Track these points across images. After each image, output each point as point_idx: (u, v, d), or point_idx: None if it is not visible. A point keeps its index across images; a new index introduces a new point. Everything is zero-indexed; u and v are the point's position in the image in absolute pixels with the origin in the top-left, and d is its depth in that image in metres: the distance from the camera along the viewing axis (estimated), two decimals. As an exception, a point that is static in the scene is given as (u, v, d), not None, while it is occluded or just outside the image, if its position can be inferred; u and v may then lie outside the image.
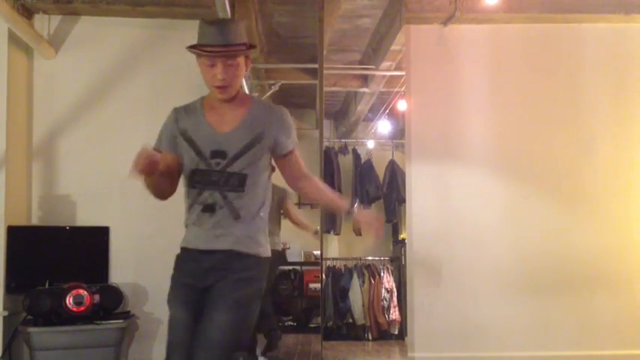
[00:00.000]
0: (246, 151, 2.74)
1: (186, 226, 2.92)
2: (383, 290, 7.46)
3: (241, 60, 2.76)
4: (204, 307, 2.68)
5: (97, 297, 4.68)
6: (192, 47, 2.78)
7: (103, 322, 4.67)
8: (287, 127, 2.84)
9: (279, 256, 6.33)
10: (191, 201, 2.84)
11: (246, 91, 2.82)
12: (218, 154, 2.74)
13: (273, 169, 2.93)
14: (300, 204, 7.58)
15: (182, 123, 2.89)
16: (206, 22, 2.77)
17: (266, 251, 2.84)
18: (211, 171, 2.74)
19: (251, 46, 2.79)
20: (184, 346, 2.67)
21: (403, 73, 5.83)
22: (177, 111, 3.00)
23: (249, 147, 2.75)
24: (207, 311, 2.66)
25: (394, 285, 7.52)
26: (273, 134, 2.80)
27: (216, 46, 2.70)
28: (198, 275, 2.77)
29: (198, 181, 2.78)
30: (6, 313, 4.75)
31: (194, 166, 2.78)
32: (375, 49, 6.49)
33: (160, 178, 2.84)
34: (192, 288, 2.77)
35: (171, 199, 5.08)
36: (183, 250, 2.92)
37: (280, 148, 2.83)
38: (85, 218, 5.16)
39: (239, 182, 2.73)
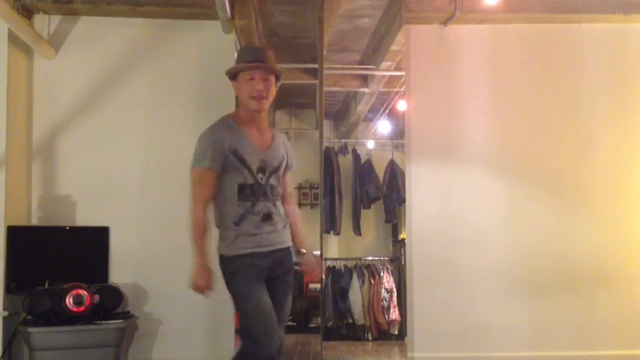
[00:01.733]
0: (279, 167, 3.37)
1: (237, 236, 3.27)
2: (383, 290, 7.44)
3: (274, 83, 3.37)
4: (275, 294, 3.32)
5: (96, 297, 4.69)
6: (233, 68, 3.37)
7: (103, 322, 4.67)
8: (291, 149, 3.53)
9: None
10: (243, 212, 3.26)
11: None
12: (261, 169, 3.30)
13: None
14: (300, 204, 7.58)
15: (229, 142, 3.26)
16: (247, 47, 3.84)
17: None
18: (260, 184, 3.28)
19: (279, 73, 3.42)
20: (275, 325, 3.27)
21: (403, 73, 5.82)
22: (219, 131, 3.32)
23: (281, 164, 3.39)
24: (280, 295, 3.38)
25: (394, 285, 7.50)
26: (288, 155, 3.47)
27: (257, 62, 3.32)
28: (272, 269, 3.32)
29: (249, 194, 3.26)
30: (6, 313, 4.75)
31: (242, 181, 3.26)
32: (375, 49, 6.48)
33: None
34: (265, 280, 3.28)
35: (170, 200, 5.12)
36: (251, 255, 3.27)
37: (287, 167, 3.48)
38: (85, 218, 5.16)
39: (278, 193, 3.37)
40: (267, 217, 3.30)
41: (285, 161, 3.43)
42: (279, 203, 3.39)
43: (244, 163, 3.24)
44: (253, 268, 3.26)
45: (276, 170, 3.36)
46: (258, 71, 3.30)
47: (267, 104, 3.35)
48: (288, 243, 3.44)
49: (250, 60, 3.33)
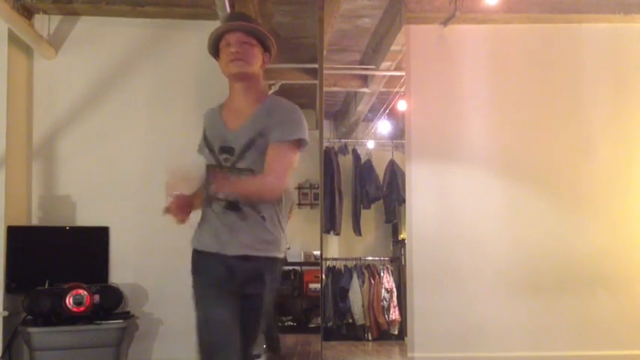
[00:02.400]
0: (251, 144, 2.74)
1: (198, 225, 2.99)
2: (383, 290, 7.46)
3: (257, 49, 2.86)
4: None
5: (96, 297, 4.68)
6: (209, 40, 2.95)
7: (103, 322, 4.67)
8: (287, 121, 2.80)
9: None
10: (205, 197, 2.84)
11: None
12: (225, 150, 2.78)
13: None
14: (300, 204, 7.59)
15: (204, 123, 2.99)
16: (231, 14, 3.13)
17: None
18: (223, 167, 2.77)
19: (267, 40, 2.90)
20: None
21: (403, 73, 5.82)
22: (206, 112, 3.07)
23: (254, 140, 2.74)
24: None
25: (394, 285, 7.52)
26: (271, 125, 2.76)
27: (240, 23, 2.88)
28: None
29: (212, 177, 2.79)
30: (6, 314, 4.75)
31: (207, 163, 2.85)
32: (375, 49, 6.49)
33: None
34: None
35: (168, 199, 5.09)
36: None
37: (270, 139, 2.75)
38: (85, 218, 5.16)
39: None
40: (231, 207, 2.75)
41: (260, 136, 2.74)
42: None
43: (206, 142, 2.87)
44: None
45: (248, 149, 2.74)
46: (234, 34, 2.83)
47: (247, 67, 2.82)
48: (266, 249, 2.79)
49: (228, 24, 2.90)
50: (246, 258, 2.71)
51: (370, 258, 7.95)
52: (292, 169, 2.81)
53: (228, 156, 2.77)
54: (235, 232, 2.74)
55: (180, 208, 2.82)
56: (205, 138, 2.89)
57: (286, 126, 2.77)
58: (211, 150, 2.82)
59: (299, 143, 2.80)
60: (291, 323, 7.40)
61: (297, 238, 7.06)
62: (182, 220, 2.83)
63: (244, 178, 2.75)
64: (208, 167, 2.84)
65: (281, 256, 2.83)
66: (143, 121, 5.30)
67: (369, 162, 8.18)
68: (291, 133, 2.76)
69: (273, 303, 2.90)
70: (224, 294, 2.70)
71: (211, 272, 2.76)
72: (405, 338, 5.99)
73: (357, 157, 8.20)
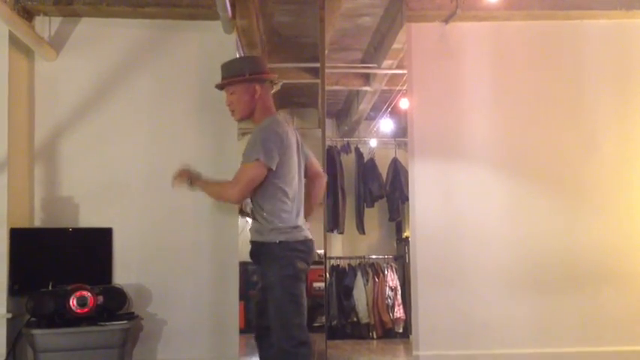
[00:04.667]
0: None
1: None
2: (387, 289, 7.46)
3: (239, 89, 3.71)
4: None
5: (100, 298, 4.67)
6: None
7: (107, 323, 4.66)
8: (249, 144, 3.62)
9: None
10: None
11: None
12: None
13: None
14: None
15: None
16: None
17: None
18: None
19: (235, 78, 3.73)
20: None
21: (405, 71, 5.81)
22: None
23: None
24: None
25: (398, 283, 7.53)
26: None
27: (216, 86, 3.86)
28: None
29: None
30: (10, 316, 4.75)
31: None
32: (377, 47, 6.49)
33: None
34: None
35: (173, 200, 5.12)
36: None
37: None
38: (88, 220, 5.16)
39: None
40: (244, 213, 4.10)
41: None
42: (253, 202, 3.74)
43: None
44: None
45: None
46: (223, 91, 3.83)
47: (238, 115, 3.78)
48: (256, 237, 3.74)
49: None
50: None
51: (374, 256, 7.97)
52: (251, 182, 3.59)
53: None
54: None
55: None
56: None
57: (247, 149, 3.60)
58: None
59: (258, 162, 3.55)
60: (296, 322, 7.39)
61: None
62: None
63: (212, 182, 3.93)
64: None
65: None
66: (145, 122, 5.29)
67: (371, 160, 8.20)
68: (249, 155, 3.58)
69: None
70: None
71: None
72: (410, 336, 6.00)
73: (359, 155, 8.21)
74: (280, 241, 3.60)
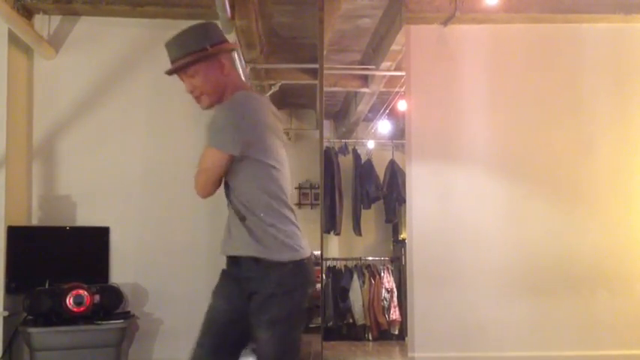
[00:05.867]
0: None
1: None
2: (383, 290, 7.46)
3: (202, 67, 2.77)
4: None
5: (97, 297, 4.68)
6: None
7: (104, 322, 4.66)
8: (211, 124, 2.70)
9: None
10: None
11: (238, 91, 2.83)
12: None
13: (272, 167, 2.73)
14: (300, 204, 7.59)
15: None
16: (165, 44, 2.86)
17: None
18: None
19: (194, 54, 2.77)
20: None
21: (403, 73, 5.82)
22: None
23: None
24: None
25: (394, 285, 7.52)
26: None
27: (172, 64, 2.83)
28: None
29: None
30: (6, 314, 4.75)
31: None
32: (375, 49, 6.49)
33: None
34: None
35: (170, 199, 5.12)
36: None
37: None
38: (86, 218, 5.16)
39: (231, 188, 2.76)
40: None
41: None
42: (233, 199, 2.75)
43: None
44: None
45: None
46: (178, 75, 2.86)
47: (208, 99, 2.80)
48: (243, 252, 2.72)
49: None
50: None
51: (370, 258, 7.96)
52: (212, 171, 2.72)
53: None
54: None
55: None
56: None
57: (212, 128, 2.69)
58: None
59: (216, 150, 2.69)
60: (292, 323, 7.39)
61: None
62: None
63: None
64: None
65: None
66: (143, 121, 5.30)
67: (369, 162, 8.19)
68: (216, 135, 2.69)
69: None
70: None
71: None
72: (406, 338, 6.00)
73: (357, 157, 8.21)
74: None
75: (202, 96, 2.80)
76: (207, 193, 2.76)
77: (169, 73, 2.84)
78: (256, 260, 2.66)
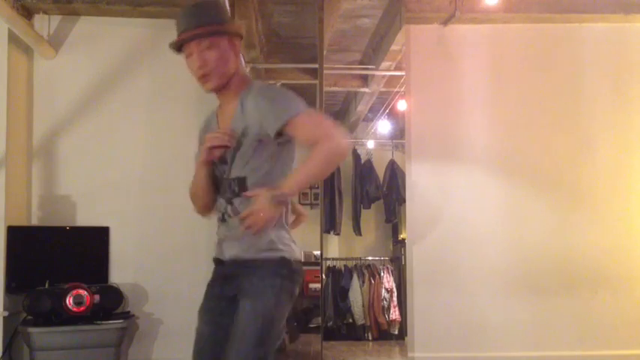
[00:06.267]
0: (237, 149, 2.41)
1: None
2: (383, 290, 7.47)
3: (222, 42, 2.47)
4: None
5: (97, 297, 4.68)
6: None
7: (103, 322, 4.67)
8: (269, 100, 2.38)
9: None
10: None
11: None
12: (222, 159, 2.47)
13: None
14: (299, 204, 7.59)
15: (204, 128, 2.68)
16: (179, 14, 2.56)
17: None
18: (223, 178, 2.49)
19: (226, 26, 2.51)
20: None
21: (403, 73, 5.83)
22: (204, 120, 2.73)
23: (239, 145, 2.40)
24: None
25: (394, 285, 7.53)
26: (256, 118, 2.37)
27: (187, 32, 2.51)
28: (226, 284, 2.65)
29: (218, 187, 2.54)
30: (6, 314, 4.75)
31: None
32: (375, 49, 6.50)
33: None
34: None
35: (170, 199, 5.11)
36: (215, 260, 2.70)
37: (271, 128, 2.34)
38: (85, 218, 5.16)
39: (239, 187, 2.41)
40: (222, 219, 2.55)
41: (250, 132, 2.38)
42: (241, 201, 2.42)
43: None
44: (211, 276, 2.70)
45: (237, 149, 2.41)
46: (191, 44, 2.49)
47: (218, 79, 2.46)
48: (249, 254, 2.46)
49: (179, 33, 2.55)
50: None
51: (370, 258, 7.97)
52: (327, 123, 2.35)
53: (224, 166, 2.48)
54: None
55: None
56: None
57: (279, 102, 2.37)
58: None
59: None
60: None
61: (297, 238, 7.04)
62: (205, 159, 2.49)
63: (297, 169, 2.36)
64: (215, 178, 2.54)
65: None
66: (143, 121, 5.29)
67: (369, 162, 8.21)
68: (292, 105, 2.36)
69: None
70: None
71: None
72: (405, 338, 6.01)
73: (357, 157, 8.22)
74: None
75: (211, 74, 2.45)
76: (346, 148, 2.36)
77: (186, 39, 2.51)
78: (254, 260, 2.46)
